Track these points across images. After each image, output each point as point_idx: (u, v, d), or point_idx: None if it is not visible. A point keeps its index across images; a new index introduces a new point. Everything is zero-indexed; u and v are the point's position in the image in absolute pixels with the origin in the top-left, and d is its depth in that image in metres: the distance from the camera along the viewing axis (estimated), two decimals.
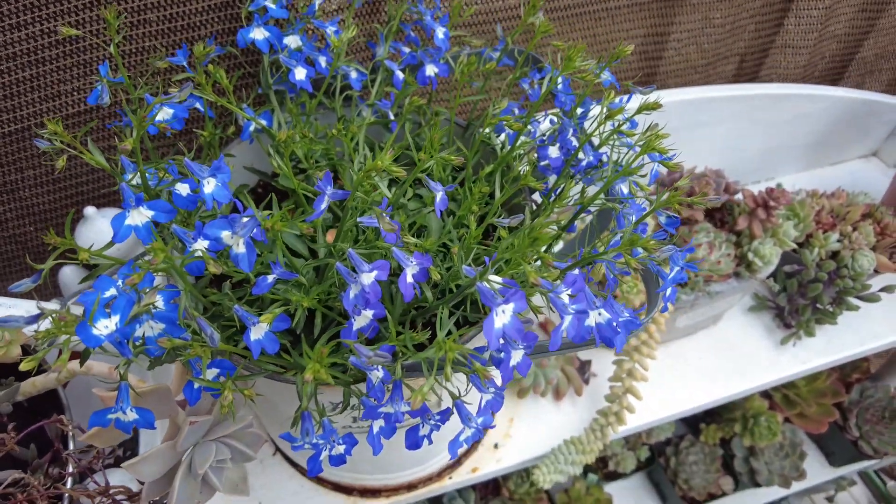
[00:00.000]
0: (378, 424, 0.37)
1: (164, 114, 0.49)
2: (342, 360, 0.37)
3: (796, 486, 1.28)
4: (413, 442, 0.37)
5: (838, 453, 1.32)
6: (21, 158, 0.67)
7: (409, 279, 0.36)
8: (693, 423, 1.34)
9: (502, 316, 0.32)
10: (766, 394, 1.26)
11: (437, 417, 0.37)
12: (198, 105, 0.53)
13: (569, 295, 0.34)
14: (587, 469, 1.29)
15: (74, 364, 0.56)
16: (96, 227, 0.66)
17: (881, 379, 1.33)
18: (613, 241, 0.41)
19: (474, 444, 0.78)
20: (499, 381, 0.37)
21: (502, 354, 0.35)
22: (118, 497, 0.56)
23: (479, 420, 0.35)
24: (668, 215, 0.45)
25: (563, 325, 0.34)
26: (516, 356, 0.34)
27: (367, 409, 0.35)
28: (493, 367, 0.36)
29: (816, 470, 1.33)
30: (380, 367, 0.35)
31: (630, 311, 0.39)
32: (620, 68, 0.92)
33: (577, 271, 0.39)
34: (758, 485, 1.26)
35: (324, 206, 0.37)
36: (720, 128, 0.98)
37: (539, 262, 0.39)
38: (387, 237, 0.37)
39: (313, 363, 0.31)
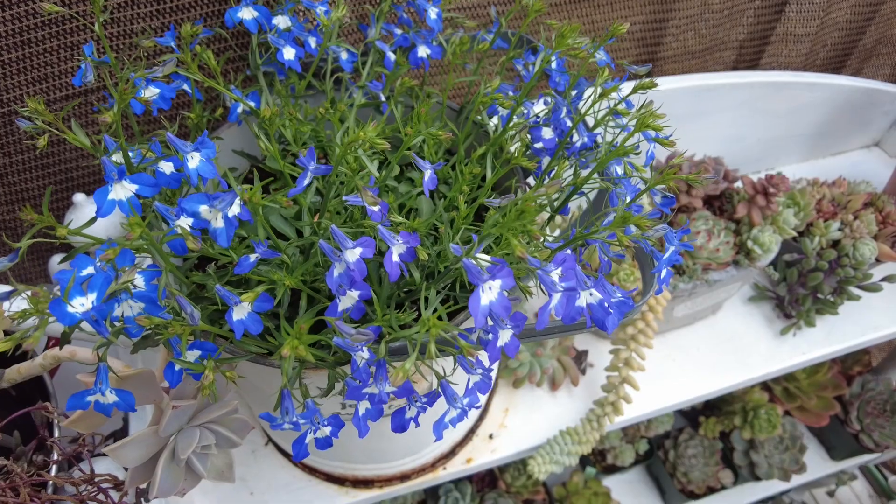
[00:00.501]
0: (364, 406, 0.36)
1: (151, 93, 0.48)
2: (327, 340, 0.36)
3: (796, 480, 1.27)
4: (399, 424, 0.36)
5: (839, 447, 1.31)
6: (9, 143, 0.66)
7: (396, 258, 0.35)
8: (692, 416, 1.33)
9: (489, 293, 0.31)
10: (766, 387, 1.25)
11: (424, 399, 0.36)
12: (185, 87, 0.52)
13: (558, 275, 0.33)
14: (585, 462, 1.28)
15: (58, 350, 0.55)
16: (85, 214, 0.65)
17: (882, 372, 1.32)
18: (606, 221, 0.40)
19: (469, 434, 0.77)
20: (486, 363, 0.36)
21: (490, 336, 0.34)
22: (103, 485, 0.55)
23: (466, 401, 0.34)
24: (663, 195, 0.43)
25: (552, 302, 0.33)
26: (504, 336, 0.33)
27: (351, 390, 0.34)
28: (482, 350, 0.35)
29: (817, 463, 1.32)
30: (364, 347, 0.34)
31: (623, 291, 0.38)
32: (618, 55, 0.91)
33: (569, 251, 0.38)
34: (757, 478, 1.25)
35: (307, 181, 0.36)
36: (720, 116, 0.96)
37: (529, 243, 0.38)
38: (373, 216, 0.36)
39: (291, 339, 0.30)
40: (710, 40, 0.95)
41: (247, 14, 0.54)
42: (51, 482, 0.51)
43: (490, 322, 0.33)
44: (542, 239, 0.35)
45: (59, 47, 0.62)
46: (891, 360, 1.33)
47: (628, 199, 0.43)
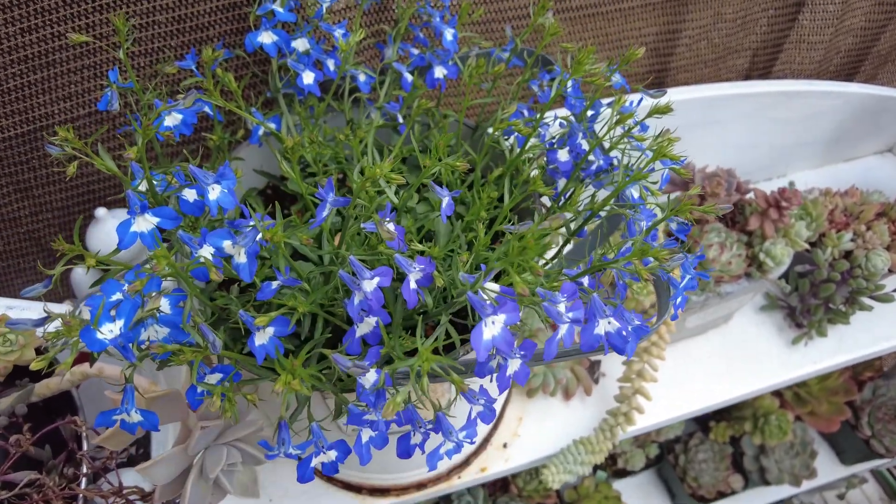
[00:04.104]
0: (367, 434, 0.37)
1: (174, 119, 0.50)
2: (334, 367, 0.37)
3: (807, 485, 1.27)
4: (404, 450, 0.37)
5: (850, 452, 1.31)
6: (33, 158, 0.68)
7: (413, 285, 0.36)
8: (703, 421, 1.34)
9: (492, 327, 0.32)
10: (777, 392, 1.25)
11: (429, 426, 0.36)
12: (206, 109, 0.53)
13: (566, 305, 0.33)
14: (596, 466, 1.29)
15: (86, 367, 0.57)
16: (106, 229, 0.66)
17: (894, 377, 1.32)
18: (624, 248, 0.41)
19: (483, 443, 0.78)
20: (494, 393, 0.36)
21: (497, 362, 0.34)
22: (131, 497, 0.56)
23: (462, 434, 0.35)
24: (679, 222, 0.44)
25: (559, 334, 0.33)
26: (514, 365, 0.34)
27: (352, 416, 0.35)
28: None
29: (828, 468, 1.32)
30: (370, 369, 0.34)
31: (639, 317, 0.38)
32: (631, 66, 0.91)
33: (586, 280, 0.38)
34: (768, 483, 1.26)
35: (325, 213, 0.37)
36: (733, 125, 0.96)
37: (544, 277, 0.39)
38: (390, 243, 0.37)
39: (286, 374, 0.31)
40: (723, 49, 0.95)
41: (266, 38, 0.55)
42: (81, 495, 0.53)
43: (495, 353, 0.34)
44: (542, 275, 0.36)
45: (82, 67, 0.63)
46: None
47: (645, 226, 0.43)
